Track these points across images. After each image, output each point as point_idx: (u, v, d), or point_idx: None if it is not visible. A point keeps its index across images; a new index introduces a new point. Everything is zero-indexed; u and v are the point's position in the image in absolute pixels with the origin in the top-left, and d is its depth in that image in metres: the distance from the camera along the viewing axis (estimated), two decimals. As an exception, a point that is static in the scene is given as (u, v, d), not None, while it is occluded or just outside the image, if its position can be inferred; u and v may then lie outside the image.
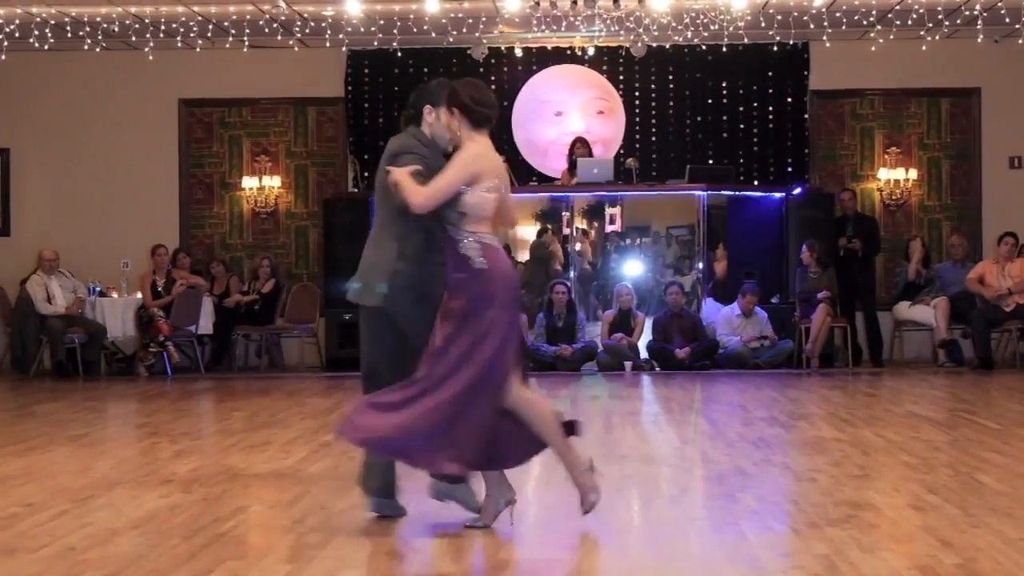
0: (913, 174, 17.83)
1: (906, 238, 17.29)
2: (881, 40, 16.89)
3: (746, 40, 17.06)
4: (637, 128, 17.87)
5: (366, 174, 17.82)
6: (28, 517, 6.67)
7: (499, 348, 6.14)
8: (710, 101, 17.92)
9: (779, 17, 16.31)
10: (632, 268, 17.14)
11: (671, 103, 17.97)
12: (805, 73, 17.87)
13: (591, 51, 17.80)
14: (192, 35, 16.79)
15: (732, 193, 17.11)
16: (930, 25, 16.45)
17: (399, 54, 17.76)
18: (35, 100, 18.07)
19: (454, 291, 6.24)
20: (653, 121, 17.97)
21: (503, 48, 17.84)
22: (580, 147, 17.24)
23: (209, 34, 16.89)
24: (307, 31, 16.89)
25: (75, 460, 8.85)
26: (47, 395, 14.09)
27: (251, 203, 18.16)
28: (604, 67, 17.96)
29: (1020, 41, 16.57)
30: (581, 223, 17.27)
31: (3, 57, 16.66)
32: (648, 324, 16.35)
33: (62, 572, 5.48)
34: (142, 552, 5.82)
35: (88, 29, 16.51)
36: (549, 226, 17.17)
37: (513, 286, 6.33)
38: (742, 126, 17.92)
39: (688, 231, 17.08)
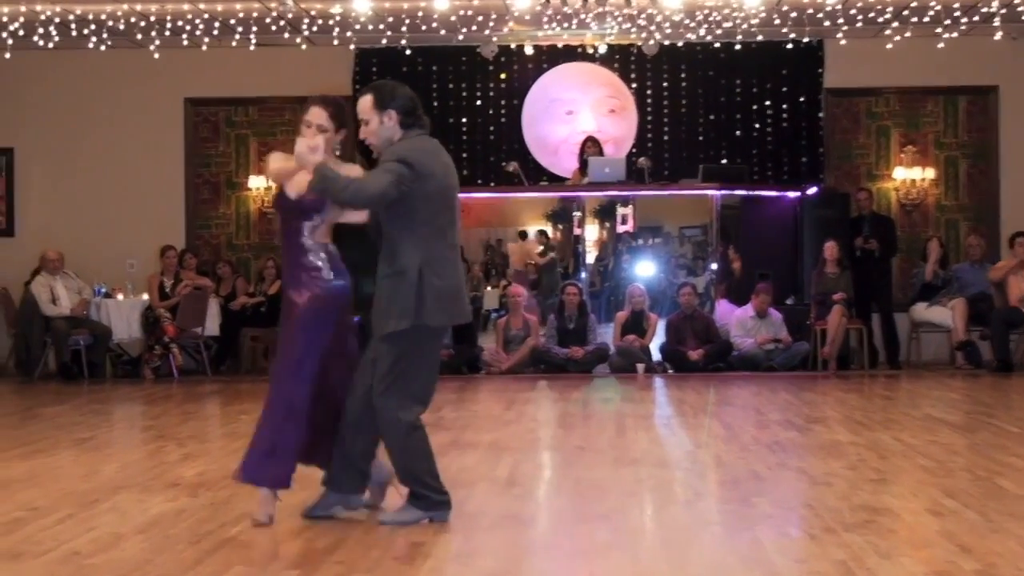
0: (930, 173, 17.70)
1: (923, 238, 17.17)
2: (897, 37, 16.75)
3: (760, 37, 16.98)
4: (649, 127, 17.76)
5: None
6: (33, 521, 6.61)
7: None
8: (723, 100, 17.81)
9: (793, 14, 16.20)
10: (644, 269, 17.08)
11: (684, 102, 17.86)
12: (820, 71, 17.74)
13: (602, 49, 17.68)
14: (198, 33, 16.68)
15: (746, 193, 16.99)
16: (947, 22, 16.33)
17: (408, 52, 17.69)
18: (40, 99, 18.00)
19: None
20: (665, 120, 17.86)
21: (513, 46, 17.76)
22: (591, 146, 17.16)
23: (215, 32, 16.77)
24: (315, 29, 16.79)
25: (80, 464, 8.78)
26: (52, 398, 13.95)
27: (258, 203, 18.01)
28: (616, 65, 17.86)
29: (1038, 39, 16.45)
30: (592, 223, 17.22)
31: (7, 55, 16.60)
32: (661, 326, 16.24)
33: (67, 577, 5.43)
34: (148, 557, 5.77)
35: (93, 27, 16.44)
36: (527, 229, 17.41)
37: None
38: (756, 125, 17.79)
39: (701, 231, 17.04)
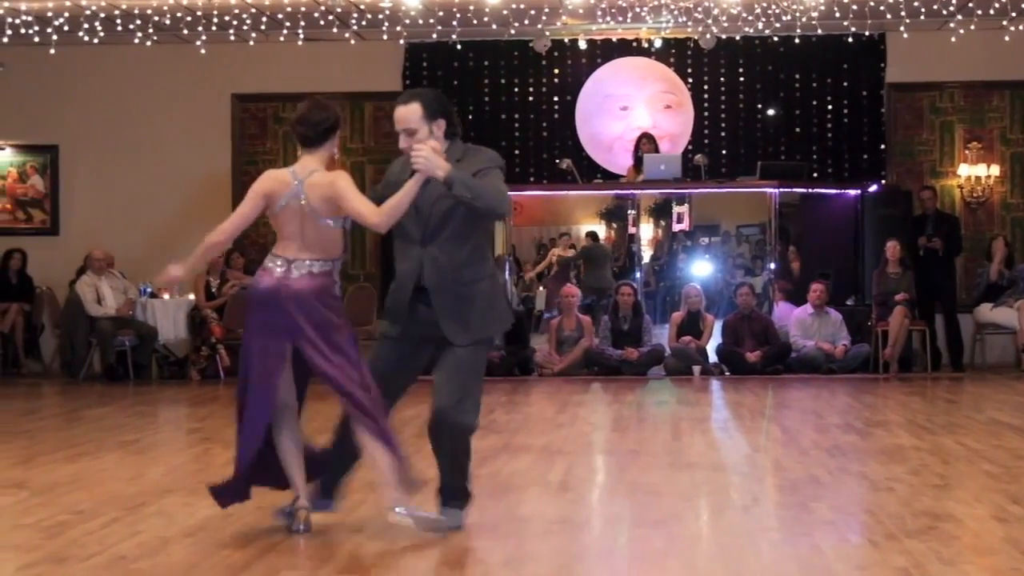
0: (995, 170, 17.43)
1: (988, 237, 16.91)
2: (961, 30, 16.51)
3: (820, 31, 16.79)
4: (706, 123, 17.60)
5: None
6: (78, 525, 6.61)
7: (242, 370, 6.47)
8: (782, 95, 17.65)
9: (854, 7, 16.01)
10: (701, 268, 17.07)
11: (741, 97, 17.69)
12: (882, 65, 17.52)
13: (658, 43, 17.49)
14: (245, 28, 16.60)
15: (805, 190, 16.76)
16: (1013, 14, 16.03)
17: (459, 47, 17.55)
18: (84, 95, 17.94)
19: None
20: (723, 116, 17.71)
21: (567, 40, 17.61)
22: (646, 143, 17.04)
23: (263, 27, 16.70)
24: (364, 23, 16.65)
25: (126, 466, 8.78)
26: (97, 399, 13.93)
27: (307, 202, 17.79)
28: (672, 60, 17.72)
29: (1108, 30, 16.12)
30: (647, 222, 17.15)
31: (52, 51, 16.63)
32: (718, 327, 16.02)
33: (112, 582, 5.48)
34: (195, 561, 5.80)
35: (139, 22, 16.38)
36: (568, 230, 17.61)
37: (256, 309, 6.35)
38: (815, 121, 17.62)
39: (759, 230, 16.95)
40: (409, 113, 6.20)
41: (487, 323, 6.30)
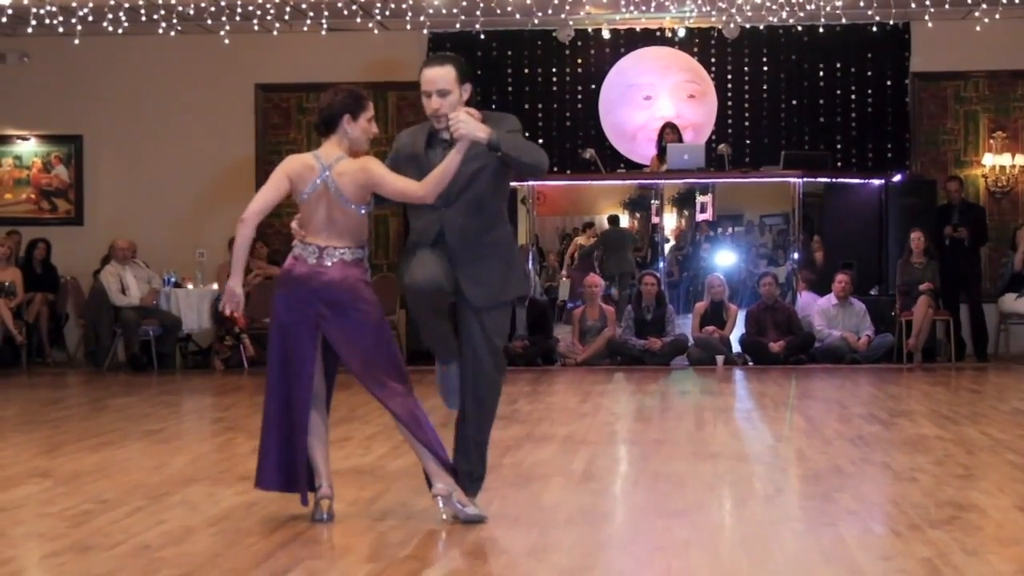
0: (1020, 160, 17.29)
1: (1013, 227, 16.80)
2: (986, 19, 16.42)
3: (844, 20, 16.70)
4: (730, 113, 17.52)
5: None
6: (102, 514, 6.62)
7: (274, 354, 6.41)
8: (806, 84, 17.56)
9: (879, -4, 15.92)
10: (724, 258, 17.05)
11: (765, 86, 17.61)
12: (906, 54, 17.40)
13: (682, 32, 17.49)
14: (269, 18, 16.61)
15: (829, 180, 16.79)
16: (1038, 3, 15.97)
17: (482, 37, 17.51)
18: (109, 85, 17.94)
19: None
20: (746, 105, 17.62)
21: (590, 30, 17.59)
22: (670, 133, 17.01)
23: (286, 17, 16.73)
24: (387, 13, 16.68)
25: (150, 456, 8.78)
26: (121, 389, 13.94)
27: (329, 192, 17.80)
28: (695, 49, 17.65)
29: None
30: (671, 211, 17.10)
31: (76, 41, 16.55)
32: (741, 316, 16.01)
33: (137, 570, 5.43)
34: (219, 551, 5.79)
35: (163, 12, 16.39)
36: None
37: (287, 295, 6.30)
38: (839, 110, 17.51)
39: (783, 220, 16.92)
40: (444, 74, 6.22)
41: (508, 286, 6.34)
